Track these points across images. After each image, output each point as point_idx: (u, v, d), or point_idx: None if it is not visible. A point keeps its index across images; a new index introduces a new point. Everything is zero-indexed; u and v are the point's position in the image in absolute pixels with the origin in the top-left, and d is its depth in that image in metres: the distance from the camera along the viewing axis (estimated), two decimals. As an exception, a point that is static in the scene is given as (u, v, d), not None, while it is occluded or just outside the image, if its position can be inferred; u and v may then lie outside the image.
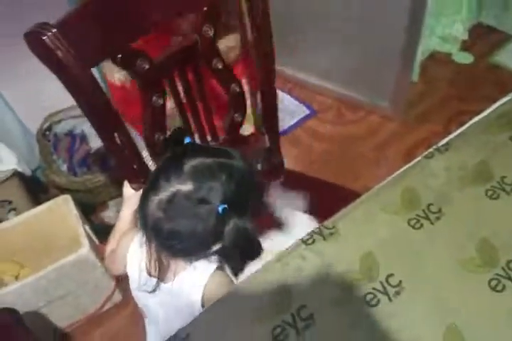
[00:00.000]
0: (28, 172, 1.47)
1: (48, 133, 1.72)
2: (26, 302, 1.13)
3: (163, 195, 0.62)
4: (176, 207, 0.62)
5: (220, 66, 0.95)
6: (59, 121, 1.74)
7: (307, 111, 2.03)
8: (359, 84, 1.96)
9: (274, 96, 1.06)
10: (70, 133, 1.74)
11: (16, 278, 1.24)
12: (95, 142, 1.73)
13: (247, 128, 1.14)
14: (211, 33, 0.92)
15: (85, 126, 1.75)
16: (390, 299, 0.56)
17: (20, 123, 1.68)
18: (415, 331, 0.54)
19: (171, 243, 0.66)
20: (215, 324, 0.54)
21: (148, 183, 0.67)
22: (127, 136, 0.79)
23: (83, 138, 1.73)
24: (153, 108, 0.87)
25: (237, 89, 1.01)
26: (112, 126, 0.76)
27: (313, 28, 1.88)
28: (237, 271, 0.75)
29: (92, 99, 0.72)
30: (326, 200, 1.03)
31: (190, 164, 0.63)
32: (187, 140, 0.69)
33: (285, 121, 1.95)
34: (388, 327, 0.53)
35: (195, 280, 0.72)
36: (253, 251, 0.62)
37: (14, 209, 1.38)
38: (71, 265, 1.13)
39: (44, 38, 0.65)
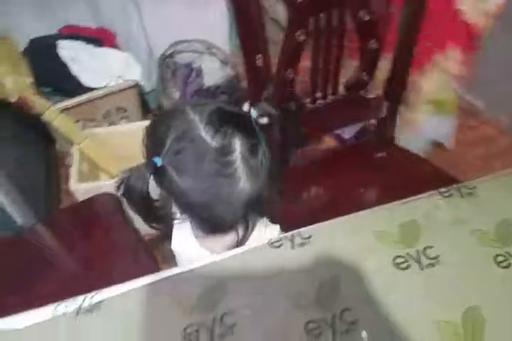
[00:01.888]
0: (146, 88, 1.57)
1: (168, 60, 1.81)
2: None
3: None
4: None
5: (366, 18, 0.95)
6: (181, 52, 1.83)
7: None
8: (483, 91, 1.85)
9: (408, 64, 1.04)
10: (189, 65, 1.82)
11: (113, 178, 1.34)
12: (209, 79, 1.81)
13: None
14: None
15: (204, 62, 1.82)
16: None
17: (148, 44, 1.78)
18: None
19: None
20: (336, 233, 0.56)
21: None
22: (267, 60, 0.82)
23: (199, 72, 1.81)
24: (295, 43, 0.89)
25: (374, 47, 1.00)
26: (259, 46, 0.80)
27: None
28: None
29: (252, 16, 0.76)
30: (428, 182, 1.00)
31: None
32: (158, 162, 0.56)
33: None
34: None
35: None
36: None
37: (126, 118, 1.49)
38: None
39: None
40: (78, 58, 1.41)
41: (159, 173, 0.54)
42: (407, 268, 0.51)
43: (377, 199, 1.10)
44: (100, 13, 1.60)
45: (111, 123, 1.45)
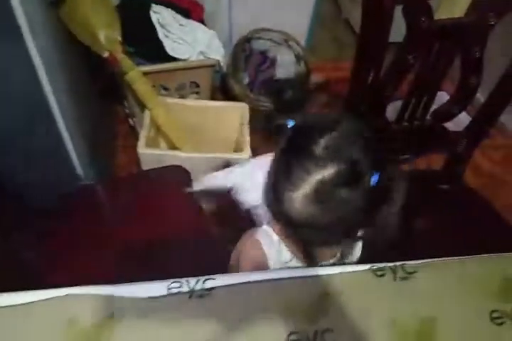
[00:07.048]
0: (222, 70, 1.58)
1: (245, 44, 1.81)
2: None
3: (305, 188, 0.54)
4: (327, 197, 0.54)
5: (477, 55, 0.95)
6: (259, 38, 1.83)
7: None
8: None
9: (504, 106, 1.03)
10: (264, 53, 1.82)
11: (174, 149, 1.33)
12: (281, 71, 1.81)
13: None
14: (492, 22, 0.91)
15: (279, 54, 1.83)
16: None
17: (230, 25, 1.79)
18: None
19: (325, 234, 0.59)
20: (440, 276, 0.57)
21: (272, 182, 0.59)
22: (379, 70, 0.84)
23: (273, 62, 1.81)
24: (405, 64, 0.90)
25: (474, 83, 1.00)
26: (376, 60, 0.81)
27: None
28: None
29: (380, 29, 0.77)
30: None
31: (319, 146, 0.55)
32: (291, 123, 0.60)
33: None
34: None
35: None
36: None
37: (197, 93, 1.50)
38: (231, 162, 1.15)
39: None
40: (167, 25, 1.41)
41: None
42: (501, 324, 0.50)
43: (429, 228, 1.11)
44: (194, -16, 1.61)
45: (181, 96, 1.46)
